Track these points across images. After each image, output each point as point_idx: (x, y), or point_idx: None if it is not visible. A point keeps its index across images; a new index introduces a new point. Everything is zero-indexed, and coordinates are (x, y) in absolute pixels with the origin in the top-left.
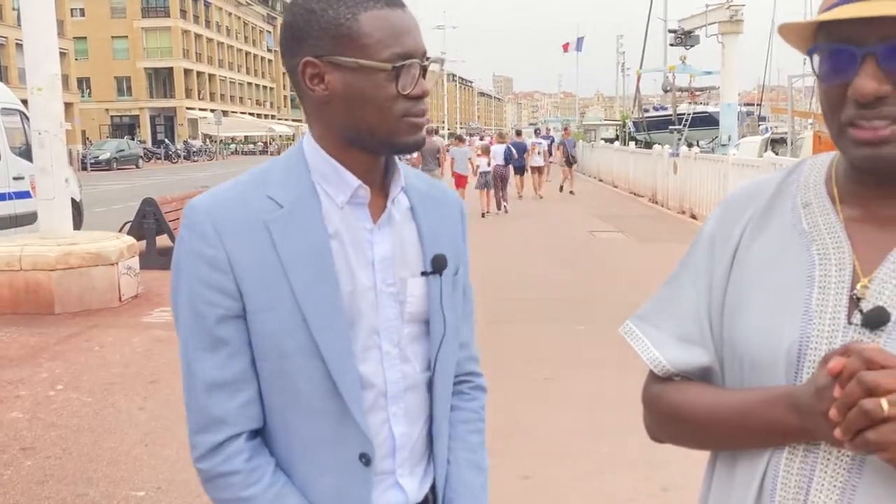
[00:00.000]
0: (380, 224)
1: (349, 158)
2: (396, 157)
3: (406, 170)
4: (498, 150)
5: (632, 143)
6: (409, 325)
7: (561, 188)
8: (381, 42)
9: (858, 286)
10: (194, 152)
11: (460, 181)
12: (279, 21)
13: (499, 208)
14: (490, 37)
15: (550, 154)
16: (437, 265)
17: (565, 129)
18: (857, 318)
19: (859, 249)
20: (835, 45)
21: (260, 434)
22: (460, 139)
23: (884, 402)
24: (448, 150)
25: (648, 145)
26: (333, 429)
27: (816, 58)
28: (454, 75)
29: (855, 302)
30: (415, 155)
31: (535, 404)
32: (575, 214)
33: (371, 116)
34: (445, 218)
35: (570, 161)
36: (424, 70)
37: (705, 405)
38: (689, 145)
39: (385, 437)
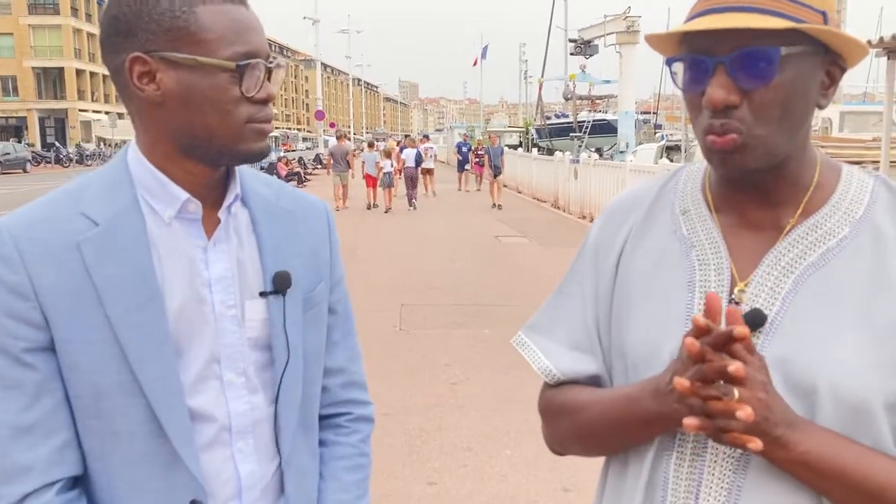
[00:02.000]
0: (214, 240)
1: (181, 171)
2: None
3: (250, 178)
4: (409, 154)
5: (535, 150)
6: (256, 352)
7: (495, 205)
8: (224, 38)
9: (736, 290)
10: (87, 156)
11: (370, 181)
12: None
13: (409, 205)
14: (396, 42)
15: (468, 161)
16: (280, 284)
17: (491, 136)
18: None
19: (736, 254)
20: (692, 55)
21: (80, 482)
22: (370, 145)
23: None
24: (357, 154)
25: (551, 152)
26: (162, 473)
27: (679, 67)
28: (360, 80)
29: (734, 305)
30: (326, 158)
31: (442, 409)
32: (480, 219)
33: (211, 121)
34: (300, 230)
35: (495, 171)
36: (270, 72)
37: (586, 400)
38: (597, 151)
39: (228, 477)
